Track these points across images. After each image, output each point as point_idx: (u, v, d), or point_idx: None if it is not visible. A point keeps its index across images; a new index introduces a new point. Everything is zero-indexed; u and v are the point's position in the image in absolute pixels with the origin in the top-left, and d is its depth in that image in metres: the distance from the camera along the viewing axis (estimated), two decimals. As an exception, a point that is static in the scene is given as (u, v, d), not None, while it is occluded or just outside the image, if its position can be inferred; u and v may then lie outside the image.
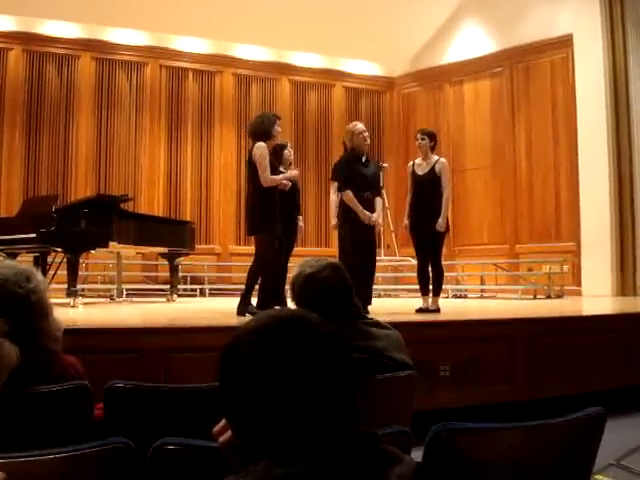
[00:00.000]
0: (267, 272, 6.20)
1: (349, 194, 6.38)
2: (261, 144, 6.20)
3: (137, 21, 11.62)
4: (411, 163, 7.10)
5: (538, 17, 11.72)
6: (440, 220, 6.65)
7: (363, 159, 6.55)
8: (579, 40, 11.09)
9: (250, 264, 6.31)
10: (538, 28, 11.70)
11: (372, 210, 6.46)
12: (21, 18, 11.28)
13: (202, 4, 11.35)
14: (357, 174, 6.46)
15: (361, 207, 6.35)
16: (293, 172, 6.84)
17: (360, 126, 6.66)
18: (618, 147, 10.57)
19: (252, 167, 6.18)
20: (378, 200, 6.63)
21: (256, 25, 11.80)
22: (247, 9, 11.49)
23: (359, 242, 6.38)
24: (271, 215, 6.15)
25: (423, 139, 6.93)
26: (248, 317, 5.77)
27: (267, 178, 6.13)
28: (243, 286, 6.28)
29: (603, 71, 10.59)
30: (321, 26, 12.10)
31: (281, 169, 6.95)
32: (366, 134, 6.62)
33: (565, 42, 11.38)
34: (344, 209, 6.47)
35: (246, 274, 6.30)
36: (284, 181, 6.43)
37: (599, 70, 10.62)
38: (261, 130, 6.33)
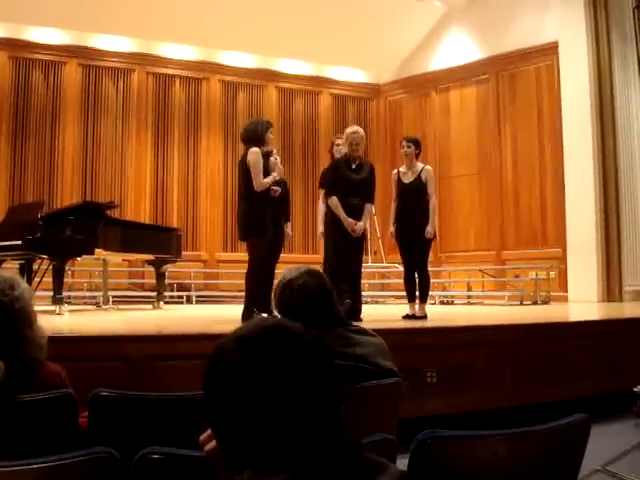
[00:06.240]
0: (259, 276, 6.23)
1: (334, 200, 6.39)
2: (255, 149, 6.27)
3: (124, 28, 11.59)
4: (395, 171, 7.02)
5: (524, 25, 11.79)
6: (429, 228, 6.62)
7: (354, 165, 6.53)
8: (564, 47, 11.15)
9: (244, 271, 6.34)
10: (524, 36, 11.76)
11: (360, 217, 6.42)
12: (7, 24, 11.21)
13: (189, 11, 11.34)
14: (343, 179, 6.44)
15: (344, 214, 6.33)
16: (274, 175, 6.60)
17: (349, 130, 6.67)
18: (603, 153, 10.63)
19: (246, 172, 6.25)
20: (367, 206, 6.54)
21: (243, 32, 11.80)
22: (234, 16, 11.48)
23: (344, 249, 6.36)
24: (264, 220, 6.22)
25: (409, 147, 6.88)
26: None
27: (260, 182, 6.20)
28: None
29: (588, 78, 10.66)
30: (308, 33, 12.12)
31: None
32: (354, 137, 6.51)
33: (550, 49, 11.45)
34: (331, 215, 6.47)
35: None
36: (274, 187, 6.47)
37: (584, 77, 10.69)
38: (255, 136, 6.40)
